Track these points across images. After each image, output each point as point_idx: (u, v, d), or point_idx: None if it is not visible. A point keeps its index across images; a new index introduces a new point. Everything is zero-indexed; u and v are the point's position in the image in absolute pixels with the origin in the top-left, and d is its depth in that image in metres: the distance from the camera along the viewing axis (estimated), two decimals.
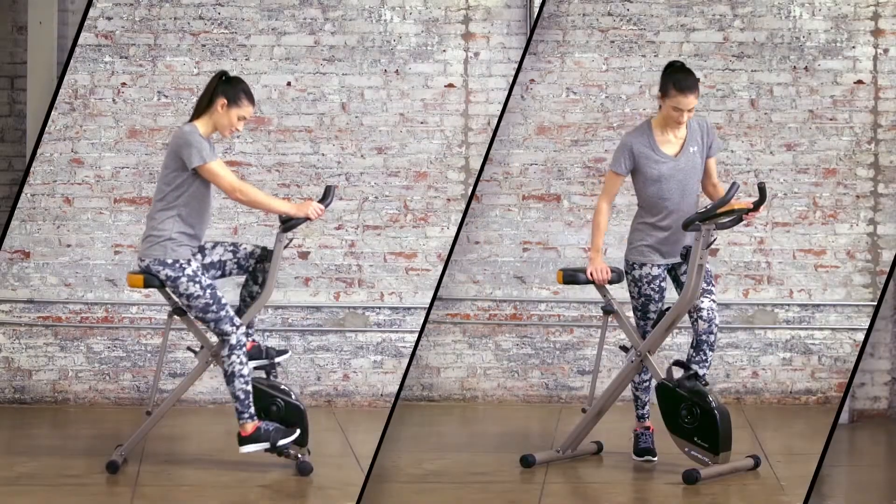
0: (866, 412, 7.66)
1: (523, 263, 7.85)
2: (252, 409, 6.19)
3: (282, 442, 6.19)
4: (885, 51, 7.75)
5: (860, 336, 7.76)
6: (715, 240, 6.29)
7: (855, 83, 7.77)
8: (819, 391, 7.83)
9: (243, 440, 6.19)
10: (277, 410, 6.29)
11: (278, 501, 6.04)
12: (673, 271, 6.51)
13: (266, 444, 6.18)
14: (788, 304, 7.83)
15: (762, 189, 6.25)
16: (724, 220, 6.23)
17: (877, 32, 7.76)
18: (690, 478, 6.16)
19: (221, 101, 6.15)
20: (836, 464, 6.66)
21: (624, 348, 6.46)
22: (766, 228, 7.81)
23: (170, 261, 6.14)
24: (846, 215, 7.80)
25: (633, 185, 6.46)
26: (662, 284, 6.44)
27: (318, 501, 6.11)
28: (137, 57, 7.69)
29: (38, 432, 7.25)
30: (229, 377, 6.18)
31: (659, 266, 6.41)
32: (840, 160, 7.80)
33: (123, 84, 7.70)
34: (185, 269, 6.14)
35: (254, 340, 6.37)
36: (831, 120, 7.78)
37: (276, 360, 6.41)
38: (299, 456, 6.30)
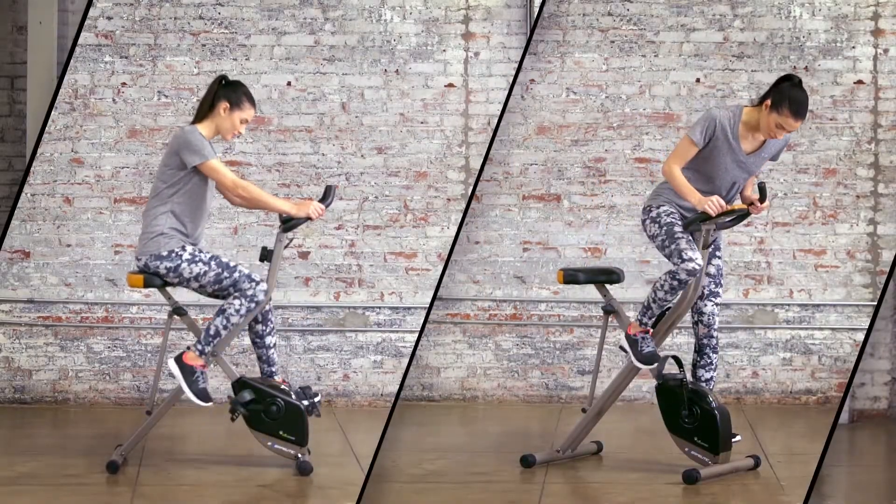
0: (866, 412, 7.66)
1: (523, 263, 7.85)
2: (209, 349, 6.16)
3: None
4: (885, 51, 7.75)
5: (860, 336, 7.76)
6: (715, 240, 6.29)
7: (855, 83, 7.77)
8: (819, 391, 7.83)
9: (179, 360, 6.15)
10: (277, 410, 6.28)
11: (278, 501, 6.04)
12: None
13: (187, 385, 6.11)
14: (788, 304, 7.83)
15: (762, 189, 6.24)
16: (724, 221, 6.23)
17: (877, 32, 7.76)
18: (690, 478, 6.16)
19: (224, 105, 6.18)
20: (836, 464, 6.66)
21: (624, 348, 6.46)
22: (766, 228, 7.81)
23: (164, 253, 6.14)
24: (846, 215, 7.80)
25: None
26: (680, 220, 6.29)
27: (318, 501, 6.11)
28: (137, 57, 7.69)
29: (38, 432, 7.25)
30: (220, 311, 6.16)
31: (675, 210, 6.29)
32: (840, 160, 7.80)
33: (123, 84, 7.70)
34: (181, 255, 6.14)
35: (283, 380, 6.36)
36: (831, 120, 7.78)
37: (315, 399, 6.37)
38: (299, 456, 6.30)
